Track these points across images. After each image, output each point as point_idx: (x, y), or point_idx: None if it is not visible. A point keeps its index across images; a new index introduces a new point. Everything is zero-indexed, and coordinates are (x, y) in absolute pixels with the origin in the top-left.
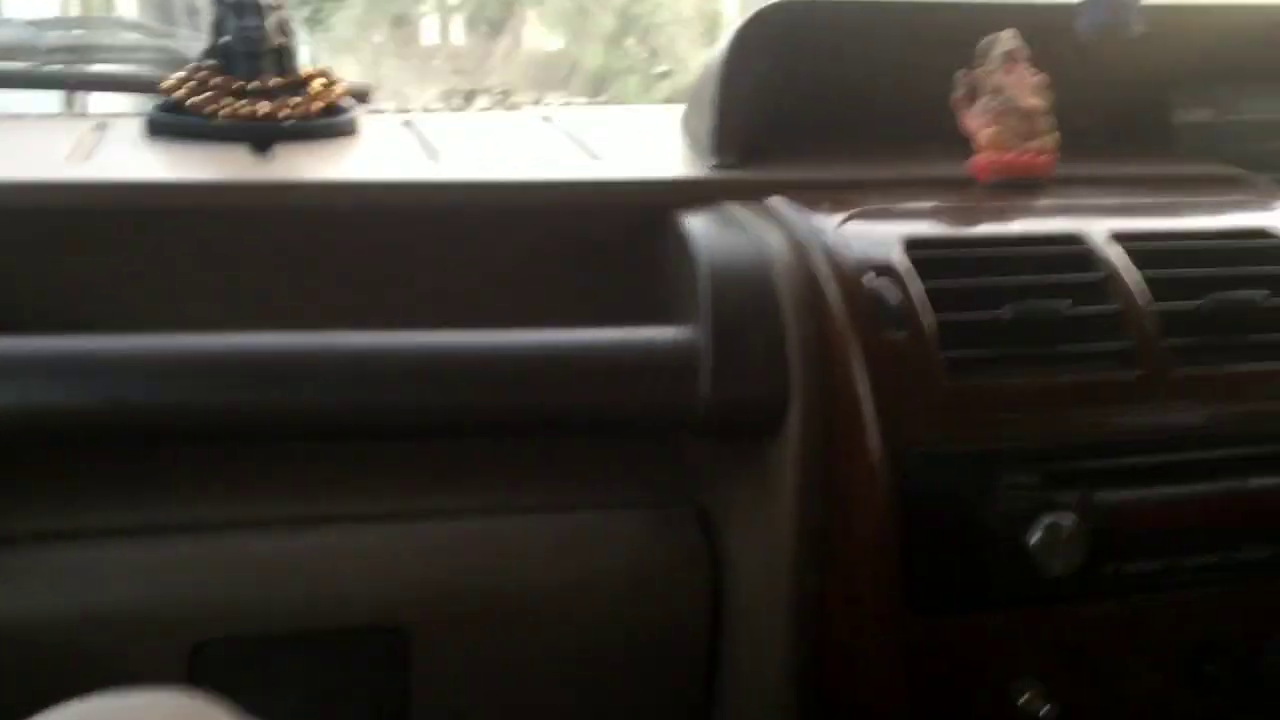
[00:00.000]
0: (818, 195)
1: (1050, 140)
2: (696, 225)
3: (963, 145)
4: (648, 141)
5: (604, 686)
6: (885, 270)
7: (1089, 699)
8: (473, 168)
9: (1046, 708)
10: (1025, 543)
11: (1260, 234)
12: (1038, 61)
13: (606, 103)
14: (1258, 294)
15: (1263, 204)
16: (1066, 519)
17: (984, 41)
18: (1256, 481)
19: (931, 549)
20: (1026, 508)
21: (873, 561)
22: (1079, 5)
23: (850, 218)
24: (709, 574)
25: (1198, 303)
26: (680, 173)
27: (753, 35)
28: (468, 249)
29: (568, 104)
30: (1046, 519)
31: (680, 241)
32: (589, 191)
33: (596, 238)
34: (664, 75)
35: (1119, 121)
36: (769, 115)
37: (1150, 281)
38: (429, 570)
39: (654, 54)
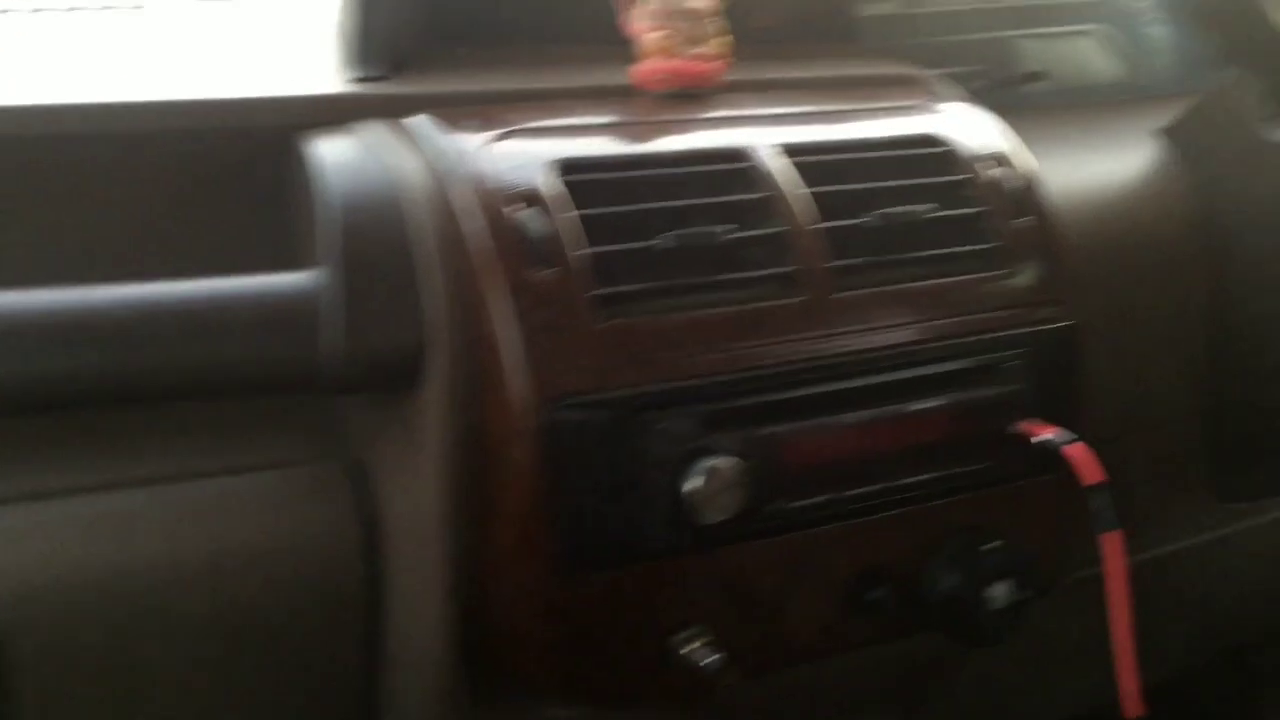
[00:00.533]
0: (466, 113)
1: (720, 44)
2: (325, 151)
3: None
4: (286, 46)
5: (253, 668)
6: (533, 198)
7: (755, 640)
8: (34, 86)
9: (712, 657)
10: (682, 490)
11: (928, 141)
12: None
13: None
14: (923, 208)
15: (933, 107)
16: (726, 462)
17: None
18: (915, 405)
19: (583, 502)
20: (683, 452)
21: (522, 518)
22: None
23: (498, 138)
24: (362, 536)
25: (862, 220)
26: (311, 87)
27: None
28: (53, 188)
29: None
30: (705, 463)
31: (307, 171)
32: (193, 113)
33: (214, 169)
34: None
35: (802, 16)
36: (421, 18)
37: (815, 198)
38: (23, 562)
39: None
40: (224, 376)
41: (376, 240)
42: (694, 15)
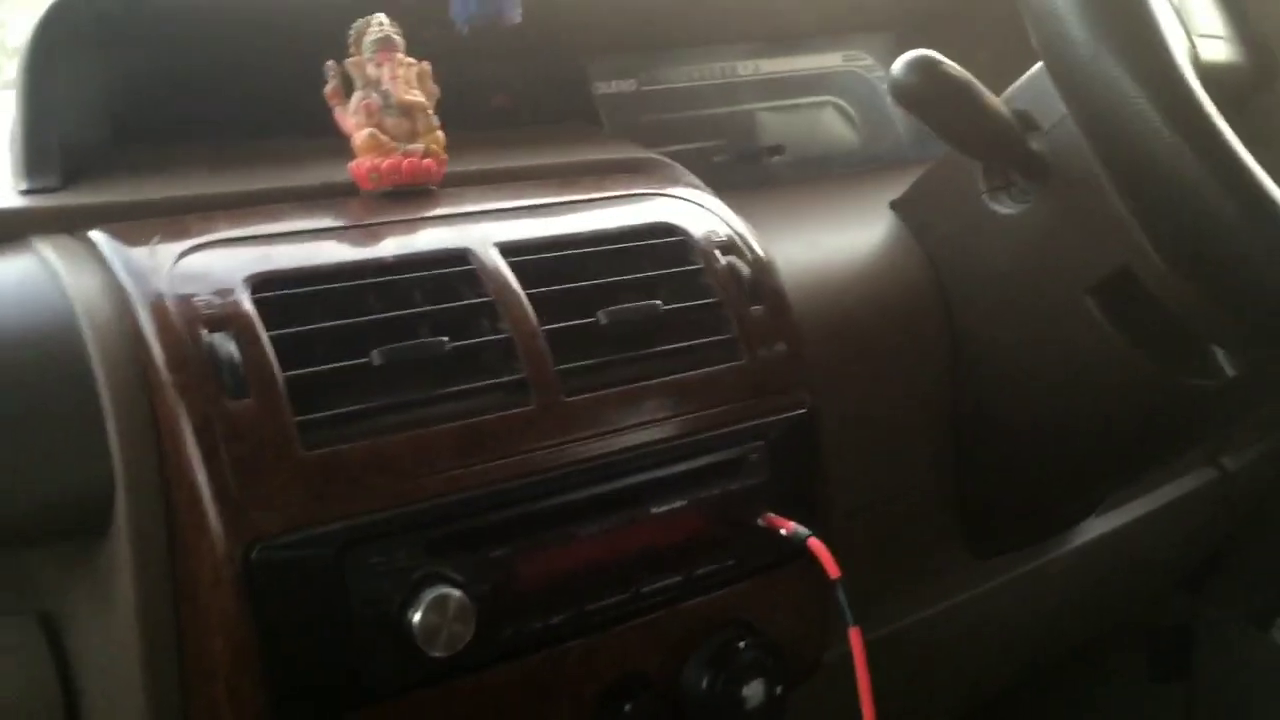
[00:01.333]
0: (153, 225)
1: (435, 139)
2: None
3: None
4: None
5: None
6: (224, 321)
7: None
8: None
9: None
10: (406, 625)
11: (657, 231)
12: (425, 46)
13: None
14: (653, 303)
15: (666, 193)
16: (452, 590)
17: (356, 25)
18: (657, 508)
19: (295, 651)
20: (405, 584)
21: (229, 672)
22: None
23: (187, 251)
24: (59, 691)
25: (590, 320)
26: None
27: (60, 24)
28: None
29: None
30: (429, 594)
31: None
32: None
33: None
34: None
35: (539, 96)
36: (102, 120)
37: (540, 300)
38: None
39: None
40: None
41: (42, 376)
42: (407, 110)
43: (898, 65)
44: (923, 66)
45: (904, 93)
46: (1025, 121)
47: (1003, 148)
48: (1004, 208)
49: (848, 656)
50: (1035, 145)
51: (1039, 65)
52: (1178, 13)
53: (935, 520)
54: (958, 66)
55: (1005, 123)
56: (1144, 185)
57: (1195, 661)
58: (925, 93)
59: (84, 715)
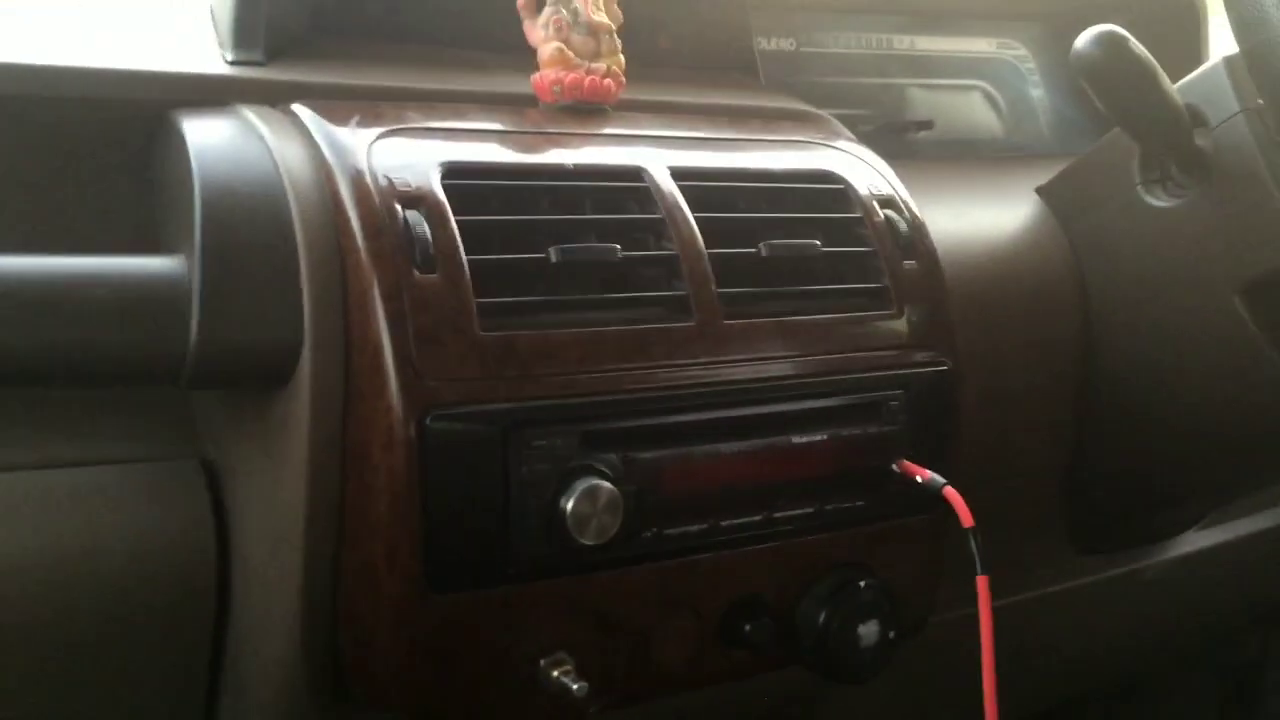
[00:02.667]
0: (353, 106)
1: (617, 61)
2: (197, 131)
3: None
4: (166, 25)
5: (94, 660)
6: (418, 200)
7: (626, 668)
8: None
9: (580, 684)
10: (558, 510)
11: (821, 177)
12: None
13: None
14: (812, 242)
15: (828, 145)
16: (604, 483)
17: None
18: (798, 439)
19: (455, 519)
20: (561, 471)
21: (390, 532)
22: None
23: (385, 135)
24: (214, 537)
25: (752, 250)
26: (186, 65)
27: None
28: None
29: None
30: (582, 484)
31: (178, 150)
32: (59, 80)
33: (82, 144)
34: None
35: (703, 44)
36: (302, 7)
37: (707, 224)
38: None
39: None
40: (76, 360)
41: (246, 227)
42: (594, 29)
43: (1085, 37)
44: (1111, 41)
45: (1088, 65)
46: (1195, 116)
47: (1169, 137)
48: (1158, 200)
49: (956, 624)
50: (1200, 140)
51: (1213, 62)
52: None
53: (1044, 506)
54: (1142, 47)
55: (1178, 111)
56: None
57: (1265, 699)
58: (1109, 67)
59: (236, 563)
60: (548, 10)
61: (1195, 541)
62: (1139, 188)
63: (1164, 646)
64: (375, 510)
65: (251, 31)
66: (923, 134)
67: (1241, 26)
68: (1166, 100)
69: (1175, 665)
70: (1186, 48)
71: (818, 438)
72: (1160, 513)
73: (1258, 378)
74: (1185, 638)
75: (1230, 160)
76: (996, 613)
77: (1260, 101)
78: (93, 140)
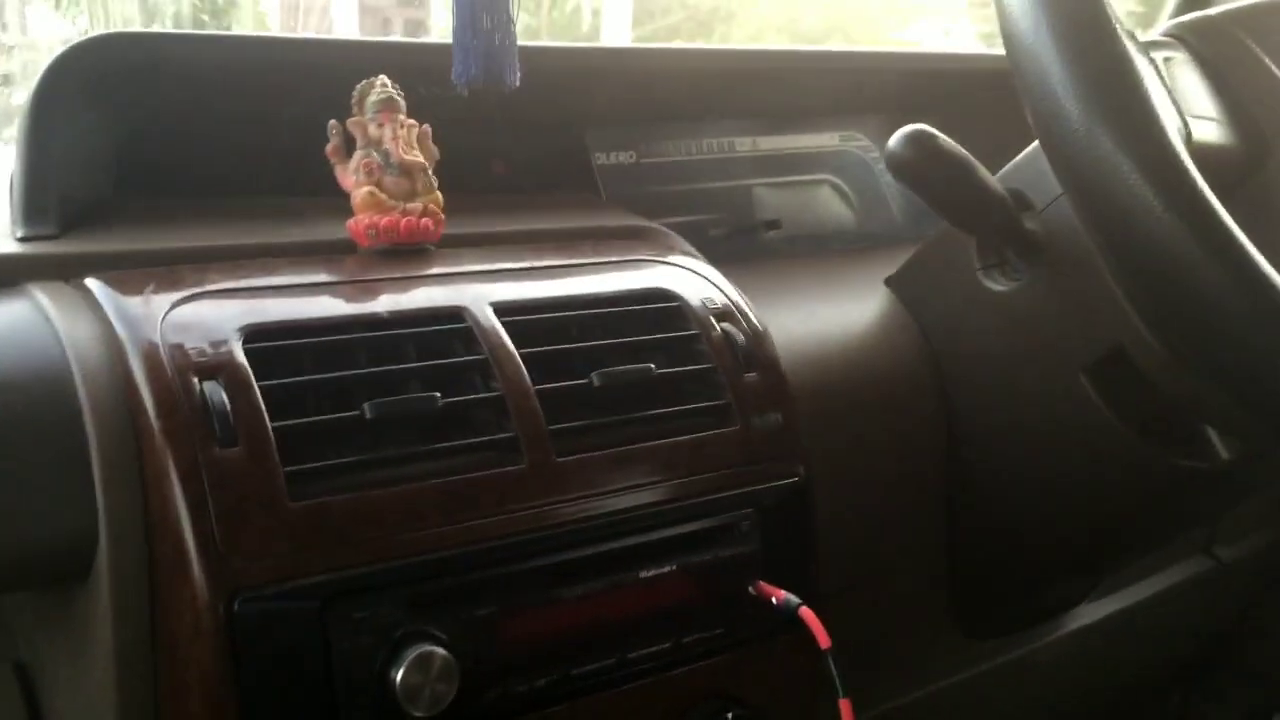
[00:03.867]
0: (149, 274)
1: (434, 199)
2: None
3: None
4: None
5: None
6: (217, 369)
7: None
8: None
9: None
10: (388, 683)
11: (655, 296)
12: (429, 113)
13: None
14: (646, 366)
15: (663, 261)
16: (436, 649)
17: (359, 86)
18: (646, 572)
19: (277, 704)
20: (388, 642)
21: None
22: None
23: (181, 301)
24: None
25: (584, 381)
26: None
27: (67, 74)
28: None
29: None
30: (411, 653)
31: None
32: None
33: None
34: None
35: (540, 165)
36: (102, 171)
37: (534, 359)
38: None
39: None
40: None
41: (31, 419)
42: (406, 169)
43: (894, 139)
44: (918, 140)
45: (900, 165)
46: (1020, 200)
47: (996, 224)
48: (998, 285)
49: None
50: (1029, 224)
51: (1034, 145)
52: (1170, 94)
53: (927, 599)
54: (952, 142)
55: (999, 199)
56: (1139, 266)
57: None
58: (920, 166)
59: None
60: (358, 154)
61: (1090, 614)
62: (979, 273)
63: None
64: (189, 708)
65: (41, 204)
66: (773, 232)
67: (1034, 119)
68: (983, 189)
69: None
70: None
71: (667, 569)
72: (1043, 591)
73: (1114, 455)
74: (1098, 709)
75: (1060, 242)
76: (897, 710)
77: None
78: None
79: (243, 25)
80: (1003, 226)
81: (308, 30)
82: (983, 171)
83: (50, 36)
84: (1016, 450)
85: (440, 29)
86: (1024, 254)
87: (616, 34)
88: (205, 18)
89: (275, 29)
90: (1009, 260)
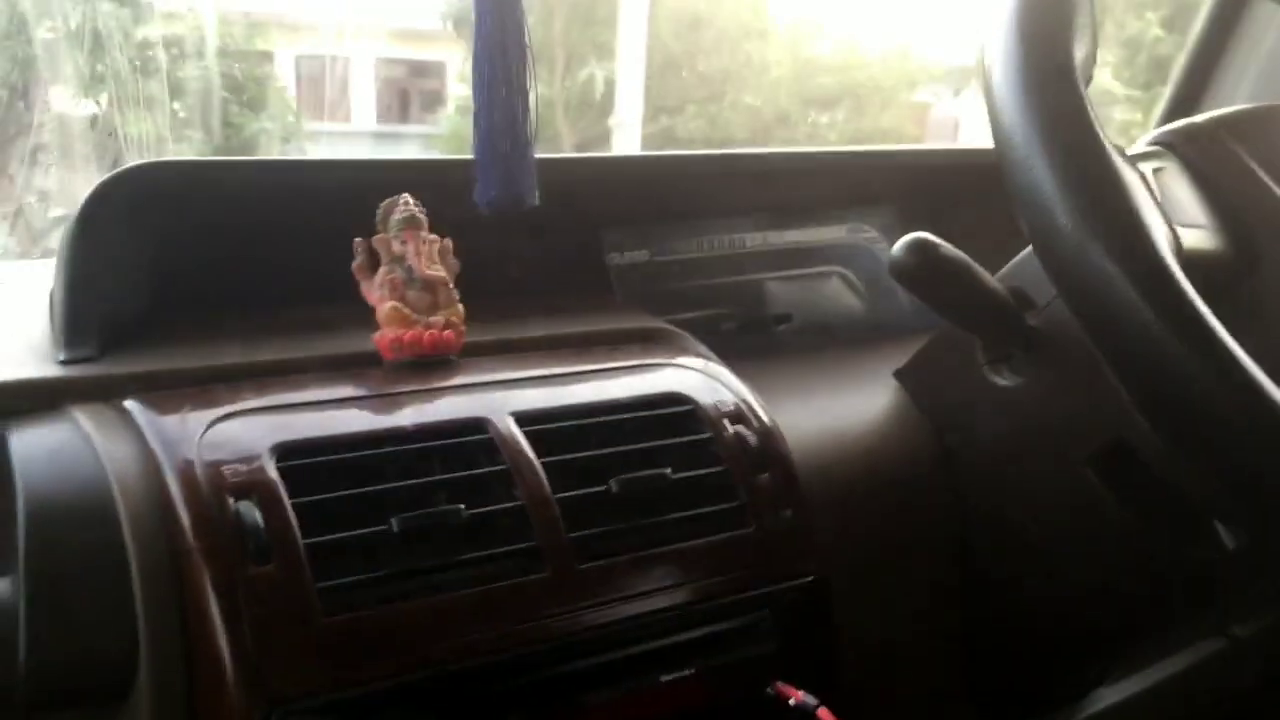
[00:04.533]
0: (185, 394)
1: (455, 312)
2: (23, 444)
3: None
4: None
5: None
6: (250, 488)
7: None
8: None
9: None
10: None
11: (668, 400)
12: (447, 221)
13: None
14: (662, 472)
15: (674, 363)
16: None
17: (383, 205)
18: (668, 676)
19: None
20: None
21: None
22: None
23: (216, 421)
24: None
25: (602, 488)
26: (16, 371)
27: (107, 202)
28: None
29: None
30: None
31: (6, 467)
32: None
33: None
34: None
35: (553, 267)
36: (138, 294)
37: (554, 468)
38: None
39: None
40: None
41: (74, 541)
42: (429, 284)
43: (897, 247)
44: (920, 248)
45: (903, 272)
46: (1020, 298)
47: (999, 324)
48: (1003, 379)
49: None
50: (1031, 321)
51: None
52: (1159, 204)
53: (945, 688)
54: (952, 248)
55: (1001, 300)
56: (1133, 370)
57: None
58: (922, 272)
59: None
60: (382, 270)
61: (1109, 696)
62: (984, 369)
63: None
64: None
65: (83, 326)
66: (783, 326)
67: (1028, 229)
68: (984, 292)
69: None
70: None
71: (686, 672)
72: (1060, 676)
73: (1123, 544)
74: None
75: (1060, 338)
76: None
77: None
78: None
79: (265, 101)
80: (1004, 326)
81: (328, 101)
82: (983, 274)
83: (73, 114)
84: (1027, 538)
85: (456, 98)
86: (1027, 350)
87: (629, 105)
88: (227, 94)
89: (293, 101)
90: (1014, 355)
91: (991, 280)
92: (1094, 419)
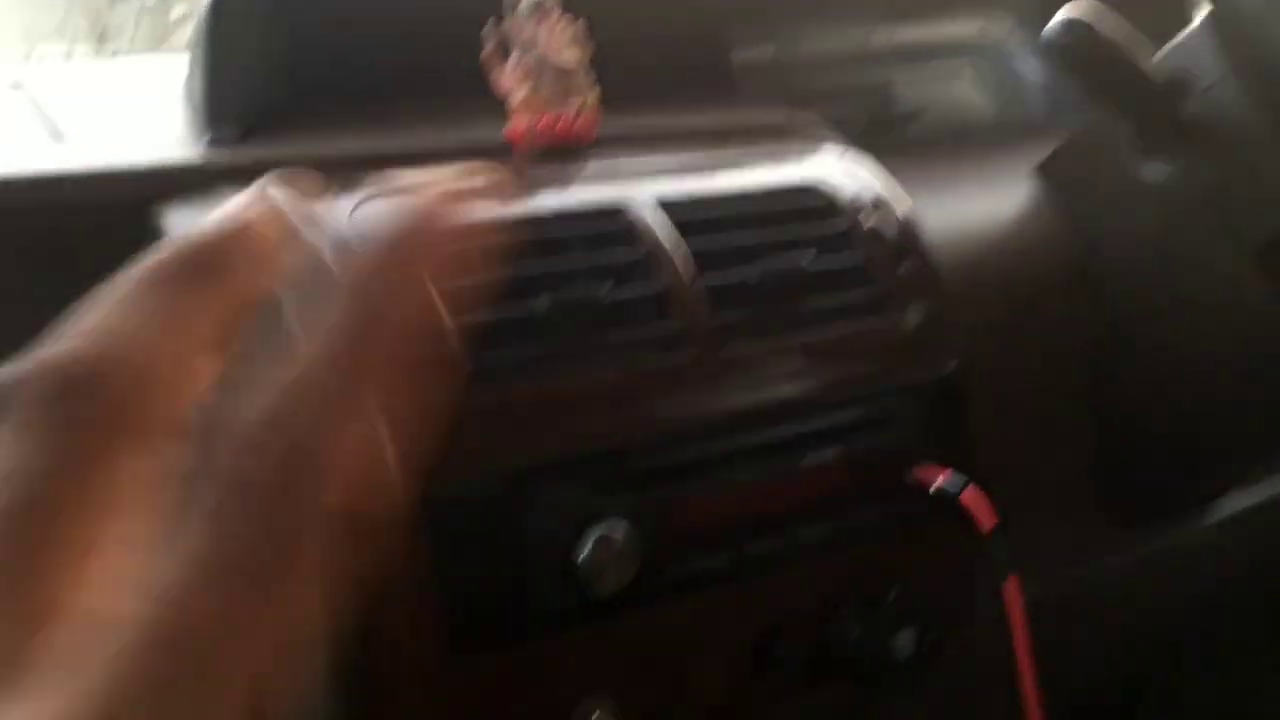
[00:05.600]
0: (329, 178)
1: (590, 98)
2: (178, 223)
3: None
4: (139, 111)
5: None
6: None
7: (660, 705)
8: None
9: None
10: (573, 562)
11: (807, 189)
12: (576, 6)
13: (115, 53)
14: (805, 257)
15: (811, 153)
16: (618, 529)
17: None
18: (811, 459)
19: (470, 583)
20: (571, 523)
21: (407, 603)
22: None
23: (362, 203)
24: None
25: (744, 274)
26: (164, 154)
27: None
28: None
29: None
30: (594, 533)
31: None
32: (35, 188)
33: (69, 245)
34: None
35: (679, 64)
36: (276, 76)
37: (695, 253)
38: None
39: None
40: None
41: None
42: (561, 70)
43: (1051, 25)
44: (1078, 27)
45: (1058, 53)
46: (1181, 82)
47: (1156, 110)
48: (1157, 172)
49: (1000, 625)
50: (1191, 107)
51: (1195, 23)
52: None
53: (1075, 487)
54: (1114, 20)
55: (1160, 85)
56: None
57: None
58: (1079, 54)
59: None
60: (513, 58)
61: (1244, 500)
62: (1135, 161)
63: (1222, 613)
64: (392, 584)
65: (226, 112)
66: (912, 124)
67: None
68: (1145, 76)
69: (1238, 632)
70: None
71: (828, 456)
72: (1197, 474)
73: (1275, 331)
74: (1245, 600)
75: (1225, 125)
76: (1039, 603)
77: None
78: (87, 245)
79: None
80: (1161, 112)
81: None
82: (1144, 55)
83: None
84: (1176, 332)
85: None
86: (1185, 138)
87: None
88: None
89: None
90: (1168, 146)
91: (1153, 61)
92: (1258, 209)
